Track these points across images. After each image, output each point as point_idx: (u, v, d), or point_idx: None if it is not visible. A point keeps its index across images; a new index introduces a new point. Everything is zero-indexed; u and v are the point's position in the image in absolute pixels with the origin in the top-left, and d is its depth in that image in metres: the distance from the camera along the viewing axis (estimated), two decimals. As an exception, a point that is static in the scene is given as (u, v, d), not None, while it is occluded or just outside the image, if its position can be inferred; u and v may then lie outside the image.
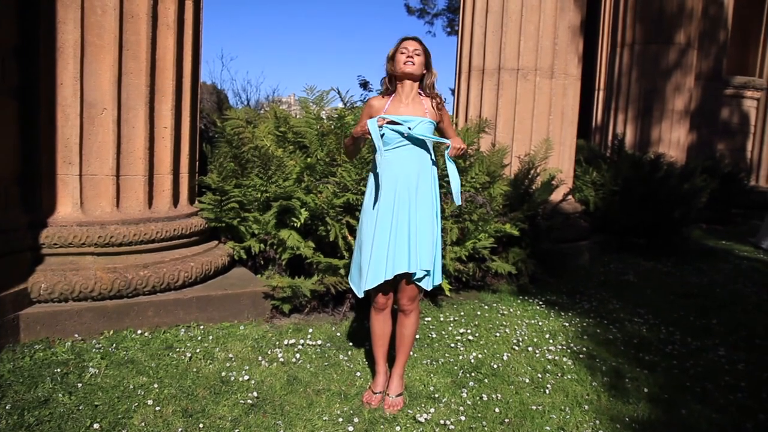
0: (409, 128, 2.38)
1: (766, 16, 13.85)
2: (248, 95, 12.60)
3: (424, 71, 2.49)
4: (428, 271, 2.45)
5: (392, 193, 2.41)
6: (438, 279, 2.54)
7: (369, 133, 2.37)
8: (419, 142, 2.44)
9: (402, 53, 2.43)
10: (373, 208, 2.44)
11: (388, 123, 2.38)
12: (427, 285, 2.49)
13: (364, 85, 5.84)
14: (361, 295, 2.52)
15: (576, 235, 5.94)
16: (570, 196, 5.70)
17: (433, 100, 2.50)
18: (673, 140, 8.65)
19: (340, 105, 4.34)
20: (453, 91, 6.25)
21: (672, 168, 7.33)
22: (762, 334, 3.91)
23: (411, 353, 3.03)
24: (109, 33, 3.11)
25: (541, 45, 5.50)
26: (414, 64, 2.43)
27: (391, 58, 2.48)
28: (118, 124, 3.20)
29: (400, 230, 2.40)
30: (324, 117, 4.22)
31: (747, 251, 7.45)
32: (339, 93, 4.25)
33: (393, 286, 2.52)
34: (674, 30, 8.47)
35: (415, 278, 2.45)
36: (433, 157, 2.51)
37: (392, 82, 2.51)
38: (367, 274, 2.42)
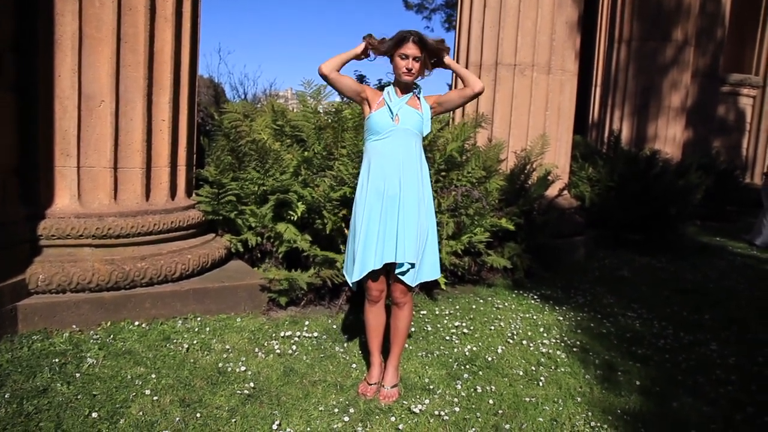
0: (396, 114, 2.45)
1: (763, 14, 13.89)
2: (245, 89, 12.56)
3: (424, 72, 2.52)
4: (413, 265, 2.44)
5: (382, 182, 2.43)
6: (427, 275, 2.52)
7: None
8: (408, 132, 2.47)
9: (402, 59, 2.44)
10: (364, 198, 2.47)
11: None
12: (410, 280, 2.47)
13: (360, 79, 5.84)
14: (351, 283, 2.54)
15: (571, 230, 5.97)
16: (566, 192, 5.73)
17: (424, 97, 2.56)
18: (669, 137, 8.69)
19: (338, 99, 4.35)
20: (450, 87, 6.27)
21: (668, 164, 7.37)
22: (753, 329, 3.96)
23: (406, 346, 3.07)
24: (107, 25, 3.12)
25: (539, 41, 5.51)
26: (413, 74, 2.46)
27: (390, 56, 2.49)
28: (116, 117, 3.21)
29: (390, 219, 2.43)
30: (321, 111, 4.23)
31: (741, 248, 7.51)
32: (336, 87, 4.25)
33: (386, 278, 2.55)
34: (671, 27, 8.49)
35: (398, 271, 2.45)
36: (421, 148, 2.54)
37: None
38: (354, 264, 2.45)
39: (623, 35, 8.86)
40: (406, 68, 2.44)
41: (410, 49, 2.43)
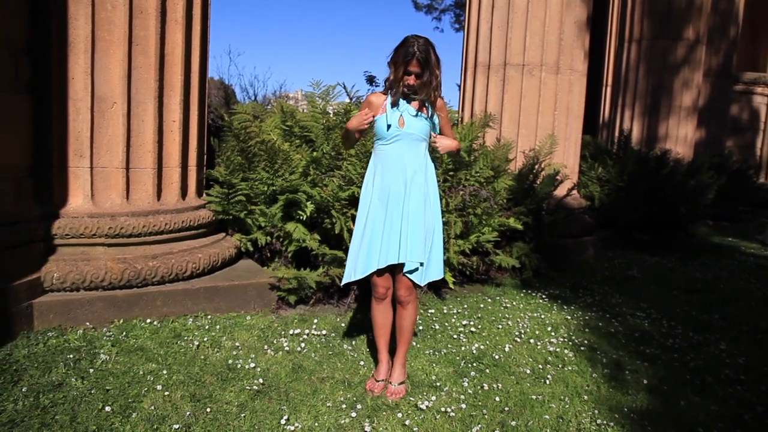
0: (401, 116, 2.46)
1: (776, 12, 13.74)
2: (255, 90, 12.69)
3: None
4: (421, 264, 2.46)
5: (387, 185, 2.47)
6: (435, 274, 2.53)
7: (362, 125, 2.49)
8: (413, 137, 2.49)
9: (406, 75, 2.42)
10: (369, 199, 2.51)
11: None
12: (418, 279, 2.49)
13: (370, 80, 5.87)
14: (342, 283, 2.59)
15: (580, 230, 5.96)
16: (575, 192, 5.72)
17: (431, 102, 2.54)
18: (680, 136, 8.63)
19: (346, 100, 4.39)
20: (459, 87, 6.28)
21: (678, 164, 7.32)
22: (764, 329, 3.93)
23: (414, 343, 3.10)
24: (119, 28, 3.17)
25: (547, 40, 5.52)
26: (414, 87, 2.45)
27: (394, 69, 2.45)
28: (128, 118, 3.27)
29: (393, 221, 2.45)
30: (330, 111, 4.27)
31: (754, 248, 7.43)
32: (345, 88, 4.31)
33: (392, 276, 2.57)
34: (683, 25, 8.43)
35: (406, 270, 2.48)
36: (427, 152, 2.56)
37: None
38: (356, 263, 2.49)
39: (633, 34, 8.81)
40: (408, 84, 2.43)
41: (413, 66, 2.40)
